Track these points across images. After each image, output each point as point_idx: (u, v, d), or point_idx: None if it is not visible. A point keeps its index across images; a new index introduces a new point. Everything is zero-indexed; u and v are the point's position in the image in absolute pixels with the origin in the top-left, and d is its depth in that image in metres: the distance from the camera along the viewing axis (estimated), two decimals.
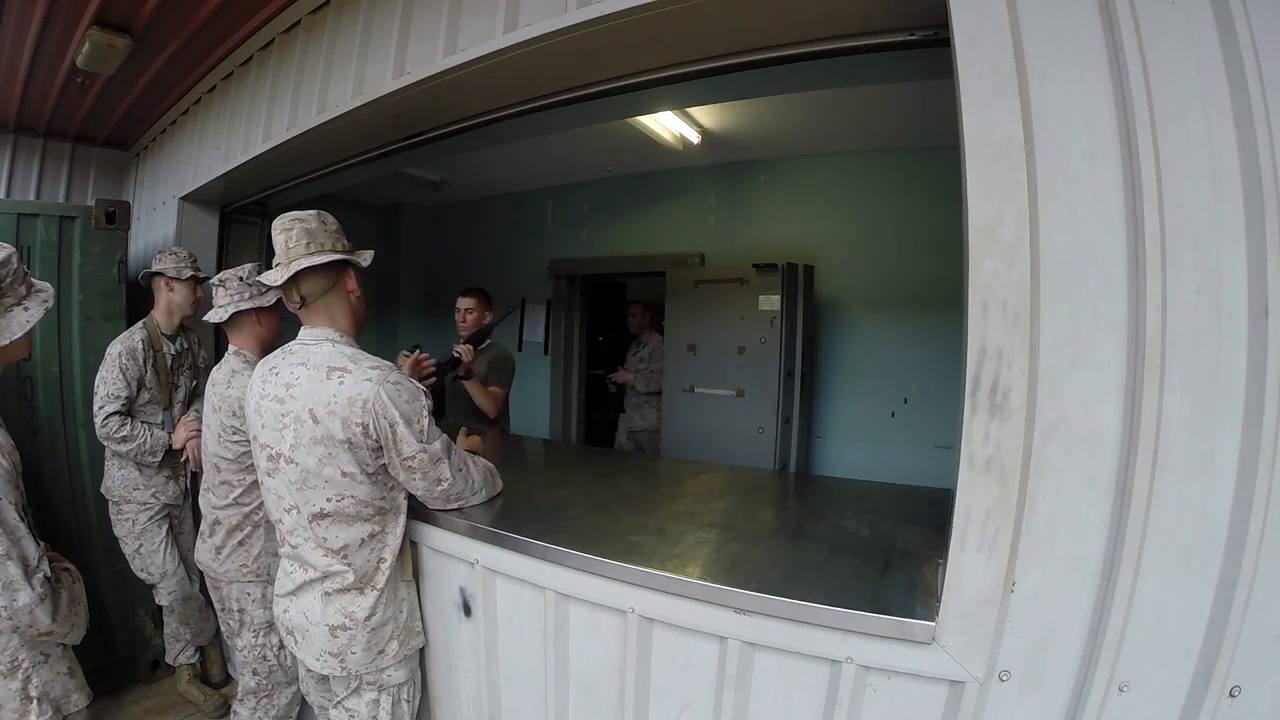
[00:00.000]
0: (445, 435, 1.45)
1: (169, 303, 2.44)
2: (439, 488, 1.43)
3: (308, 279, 1.39)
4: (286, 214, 1.41)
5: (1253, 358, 0.86)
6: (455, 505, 1.49)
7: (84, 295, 2.56)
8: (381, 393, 1.31)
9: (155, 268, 2.44)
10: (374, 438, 1.32)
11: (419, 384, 1.42)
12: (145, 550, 2.40)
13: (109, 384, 2.26)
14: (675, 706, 1.24)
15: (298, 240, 1.38)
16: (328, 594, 1.38)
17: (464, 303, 2.90)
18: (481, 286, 2.99)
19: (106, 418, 2.25)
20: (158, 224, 3.30)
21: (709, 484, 1.95)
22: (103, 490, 2.41)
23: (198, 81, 2.89)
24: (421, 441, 1.36)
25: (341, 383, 1.31)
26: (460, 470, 1.46)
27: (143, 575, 2.42)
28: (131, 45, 2.39)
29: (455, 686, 1.57)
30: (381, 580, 1.41)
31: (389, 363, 1.41)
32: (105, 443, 2.30)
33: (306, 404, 1.32)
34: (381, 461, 1.37)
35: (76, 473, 2.52)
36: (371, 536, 1.39)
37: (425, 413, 1.37)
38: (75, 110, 3.15)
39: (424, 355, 2.16)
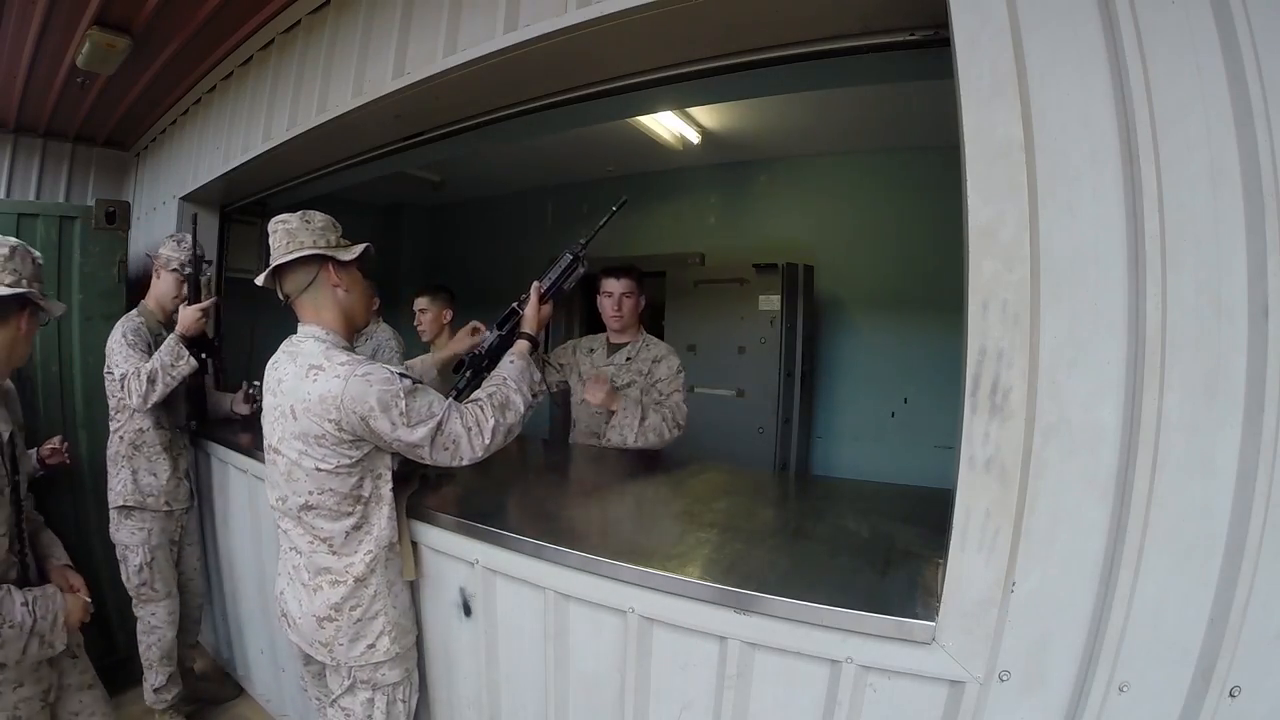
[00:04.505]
0: (443, 408, 1.37)
1: (158, 291, 2.31)
2: (424, 460, 1.40)
3: (288, 277, 1.44)
4: (274, 218, 1.44)
5: (1253, 358, 0.85)
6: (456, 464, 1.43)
7: (84, 295, 2.57)
8: (349, 387, 1.30)
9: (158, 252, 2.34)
10: (348, 432, 1.33)
11: (392, 368, 1.37)
12: (159, 561, 2.24)
13: (127, 360, 2.11)
14: (675, 707, 1.24)
15: (280, 242, 1.43)
16: (316, 586, 1.41)
17: (418, 302, 2.86)
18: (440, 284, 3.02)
19: (148, 381, 2.08)
20: (158, 224, 3.31)
21: (709, 484, 1.94)
22: (123, 501, 2.22)
23: (198, 81, 2.89)
24: (396, 427, 1.32)
25: (315, 380, 1.33)
26: (446, 450, 1.38)
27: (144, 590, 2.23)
28: (131, 45, 2.39)
29: (455, 686, 1.57)
30: (364, 571, 1.41)
31: (361, 356, 1.40)
32: (151, 402, 2.10)
33: (289, 400, 1.37)
34: (364, 450, 1.37)
35: (76, 473, 2.52)
36: (356, 529, 1.41)
37: (401, 395, 1.32)
38: (75, 110, 3.15)
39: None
